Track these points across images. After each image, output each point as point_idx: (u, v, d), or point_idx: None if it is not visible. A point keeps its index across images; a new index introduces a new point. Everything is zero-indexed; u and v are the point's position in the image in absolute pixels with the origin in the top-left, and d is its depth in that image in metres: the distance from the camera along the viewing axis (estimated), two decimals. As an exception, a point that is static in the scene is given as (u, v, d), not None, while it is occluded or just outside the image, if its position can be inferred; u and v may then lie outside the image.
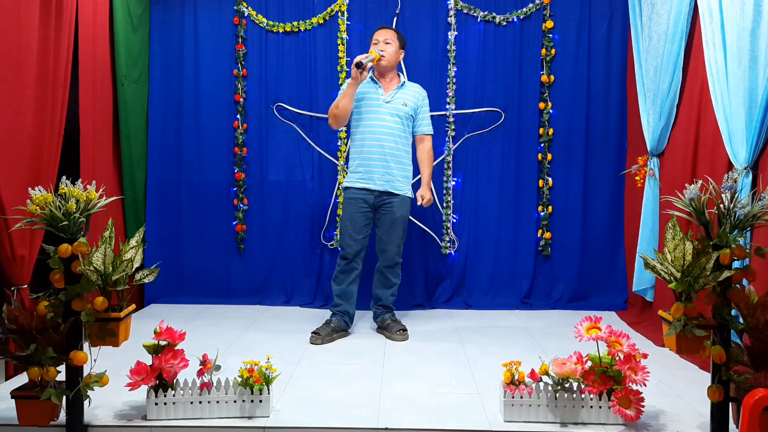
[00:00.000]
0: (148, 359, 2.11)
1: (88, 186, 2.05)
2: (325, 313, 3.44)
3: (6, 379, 2.52)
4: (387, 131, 3.22)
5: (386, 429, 2.06)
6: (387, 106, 3.24)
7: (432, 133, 3.39)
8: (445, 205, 4.01)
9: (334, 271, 3.33)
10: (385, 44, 3.24)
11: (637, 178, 3.59)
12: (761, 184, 2.46)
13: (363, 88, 3.27)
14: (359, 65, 3.08)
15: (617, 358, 2.09)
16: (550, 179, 4.00)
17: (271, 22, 3.99)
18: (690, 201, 1.98)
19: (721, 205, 1.94)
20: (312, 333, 3.15)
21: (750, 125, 2.48)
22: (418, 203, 3.33)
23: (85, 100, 3.28)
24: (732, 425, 1.96)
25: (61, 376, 2.02)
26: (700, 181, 2.02)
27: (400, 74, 3.38)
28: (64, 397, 1.98)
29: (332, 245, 4.00)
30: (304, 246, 4.03)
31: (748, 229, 1.98)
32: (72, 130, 3.11)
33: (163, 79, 4.03)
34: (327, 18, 3.97)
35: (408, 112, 3.27)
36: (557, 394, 2.10)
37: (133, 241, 2.12)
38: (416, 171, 3.41)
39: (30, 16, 2.66)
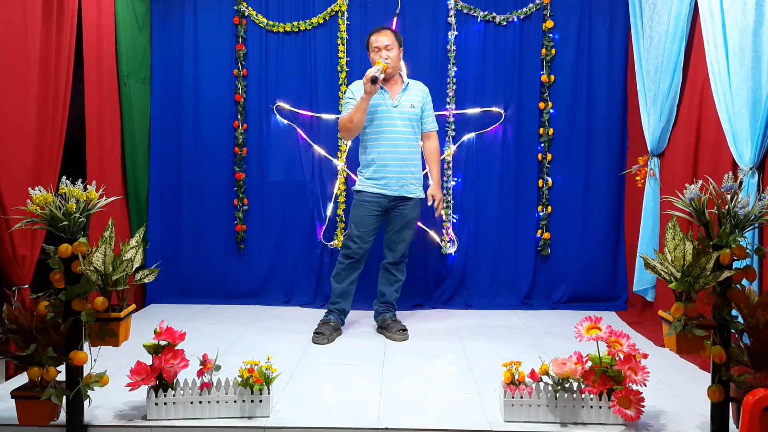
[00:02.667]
0: (148, 359, 2.11)
1: (88, 186, 2.05)
2: (326, 313, 3.44)
3: (6, 379, 2.52)
4: (400, 136, 3.21)
5: (386, 429, 2.06)
6: (395, 110, 3.22)
7: (437, 128, 3.39)
8: (445, 205, 4.01)
9: (336, 269, 3.30)
10: (387, 50, 3.18)
11: (637, 178, 3.59)
12: (762, 183, 2.46)
13: None
14: (374, 80, 3.00)
15: (617, 358, 2.09)
16: (550, 179, 4.00)
17: (271, 22, 3.99)
18: (690, 201, 1.98)
19: (722, 206, 1.94)
20: (315, 333, 3.15)
21: (754, 125, 2.47)
22: (429, 203, 3.33)
23: (91, 100, 3.29)
24: (732, 425, 1.97)
25: (61, 376, 2.02)
26: (700, 181, 2.02)
27: (402, 75, 3.36)
28: (64, 397, 1.98)
29: (332, 245, 3.99)
30: (304, 246, 4.03)
31: (756, 226, 1.98)
32: (73, 130, 3.11)
33: (164, 79, 4.03)
34: (327, 18, 3.97)
35: (417, 113, 3.27)
36: (557, 394, 2.10)
37: (133, 241, 2.12)
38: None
39: (33, 16, 2.66)
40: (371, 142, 3.24)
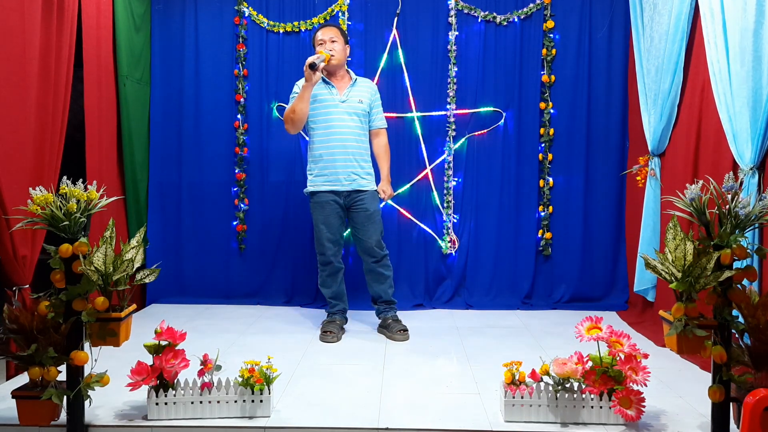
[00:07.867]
0: (148, 359, 2.11)
1: (88, 186, 2.05)
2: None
3: (7, 379, 2.52)
4: (347, 131, 3.21)
5: (386, 429, 2.06)
6: (343, 105, 3.22)
7: (386, 126, 3.41)
8: (445, 205, 4.01)
9: (320, 278, 3.32)
10: (332, 43, 3.21)
11: (638, 178, 3.59)
12: (763, 184, 2.46)
13: (316, 90, 3.22)
14: (313, 66, 3.03)
15: (618, 359, 2.09)
16: (550, 179, 4.00)
17: (271, 22, 3.99)
18: (691, 201, 1.98)
19: (723, 206, 1.94)
20: (324, 332, 3.16)
21: (755, 125, 2.47)
22: (380, 197, 3.35)
23: (90, 100, 3.29)
24: (733, 425, 1.97)
25: (62, 376, 2.02)
26: (700, 181, 2.02)
27: (350, 71, 3.36)
28: (65, 397, 1.98)
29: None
30: (305, 246, 4.02)
31: (756, 226, 1.98)
32: (73, 130, 3.11)
33: (164, 79, 4.03)
34: (327, 18, 3.97)
35: (364, 109, 3.27)
36: (558, 395, 2.09)
37: (133, 241, 2.12)
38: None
39: (32, 16, 2.66)
40: (319, 137, 3.23)
